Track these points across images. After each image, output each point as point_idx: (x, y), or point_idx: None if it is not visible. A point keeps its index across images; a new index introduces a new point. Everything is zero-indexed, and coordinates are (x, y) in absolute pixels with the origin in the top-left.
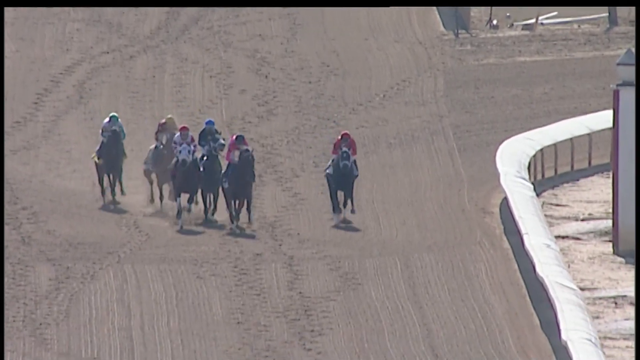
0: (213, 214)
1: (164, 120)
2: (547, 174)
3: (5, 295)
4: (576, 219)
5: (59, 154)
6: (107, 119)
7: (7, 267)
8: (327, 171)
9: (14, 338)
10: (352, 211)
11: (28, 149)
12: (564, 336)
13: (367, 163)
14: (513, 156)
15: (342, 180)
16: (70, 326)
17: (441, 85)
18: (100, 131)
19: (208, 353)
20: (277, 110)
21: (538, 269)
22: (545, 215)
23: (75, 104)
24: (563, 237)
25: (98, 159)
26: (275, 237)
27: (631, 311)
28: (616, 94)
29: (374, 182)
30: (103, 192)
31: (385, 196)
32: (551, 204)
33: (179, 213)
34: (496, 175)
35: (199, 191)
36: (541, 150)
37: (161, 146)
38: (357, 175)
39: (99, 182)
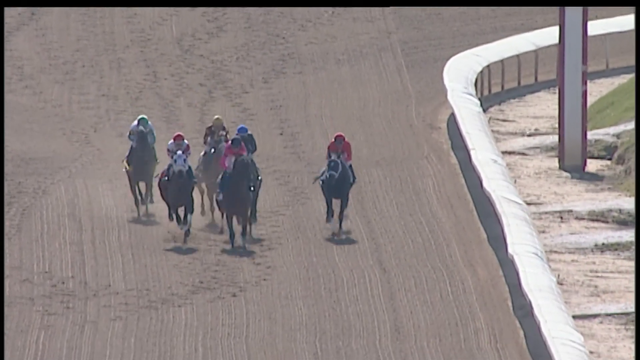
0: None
1: (211, 124)
2: (493, 89)
3: None
4: (522, 135)
5: (11, 69)
6: (135, 122)
7: None
8: (321, 178)
9: None
10: (340, 227)
11: None
12: (510, 250)
13: (315, 79)
14: (460, 72)
15: (335, 188)
16: (22, 240)
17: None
18: (128, 134)
19: (159, 267)
20: (227, 27)
21: (485, 184)
22: (492, 131)
23: (27, 20)
24: (509, 153)
25: (128, 165)
26: None
27: (576, 225)
28: (562, 11)
29: (323, 98)
30: (136, 201)
31: (334, 112)
32: (498, 119)
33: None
34: (443, 91)
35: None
36: (488, 66)
37: (212, 151)
38: (353, 183)
39: (132, 191)
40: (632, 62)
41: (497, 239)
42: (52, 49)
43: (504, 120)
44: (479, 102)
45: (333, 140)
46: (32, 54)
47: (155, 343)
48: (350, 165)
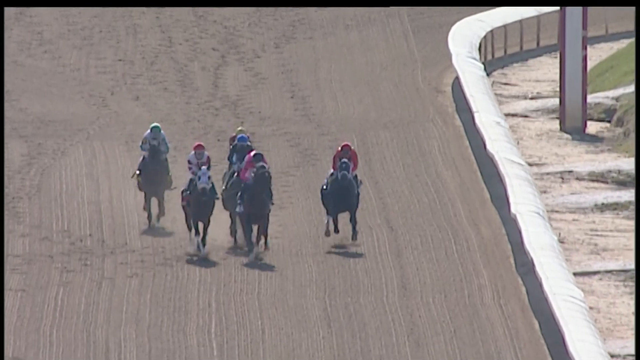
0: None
1: (234, 134)
2: (497, 54)
3: None
4: (525, 98)
5: (31, 35)
6: (148, 130)
7: None
8: (323, 187)
9: None
10: (353, 237)
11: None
12: (513, 209)
13: (325, 44)
14: (464, 37)
15: (342, 197)
16: (42, 200)
17: None
18: (140, 143)
19: (173, 225)
20: None
21: (488, 146)
22: (495, 94)
23: None
24: (512, 115)
25: (138, 176)
26: (238, 115)
27: (577, 185)
28: None
29: (332, 62)
30: (149, 216)
31: (343, 76)
32: (501, 83)
33: (193, 242)
34: (448, 55)
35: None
36: (491, 31)
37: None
38: (359, 194)
39: (145, 203)
40: (631, 27)
41: (500, 199)
42: (70, 15)
43: (507, 84)
44: (482, 66)
45: (339, 149)
46: (51, 19)
47: (170, 299)
48: (356, 176)
